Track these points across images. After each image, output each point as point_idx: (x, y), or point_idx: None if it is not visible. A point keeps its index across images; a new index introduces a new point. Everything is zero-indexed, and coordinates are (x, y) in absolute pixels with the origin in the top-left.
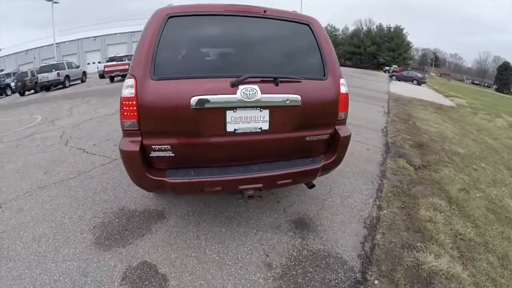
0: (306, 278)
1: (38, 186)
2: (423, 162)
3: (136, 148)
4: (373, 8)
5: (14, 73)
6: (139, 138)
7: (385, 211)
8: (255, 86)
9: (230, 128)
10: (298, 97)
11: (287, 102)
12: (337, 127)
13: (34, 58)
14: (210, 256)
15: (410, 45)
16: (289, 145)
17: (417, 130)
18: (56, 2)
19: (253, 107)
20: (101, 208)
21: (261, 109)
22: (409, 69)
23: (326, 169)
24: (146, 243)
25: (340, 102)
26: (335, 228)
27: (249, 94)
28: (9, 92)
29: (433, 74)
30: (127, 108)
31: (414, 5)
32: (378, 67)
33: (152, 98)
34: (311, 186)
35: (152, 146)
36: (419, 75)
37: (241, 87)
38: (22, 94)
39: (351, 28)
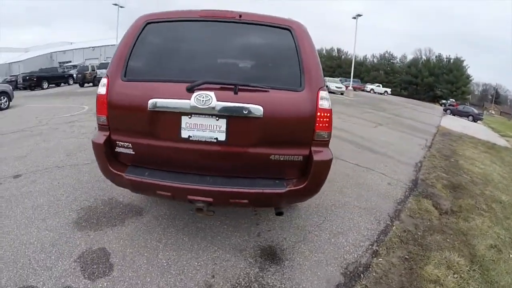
0: None
1: (57, 165)
2: (454, 206)
3: (101, 141)
4: (434, 38)
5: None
6: (107, 133)
7: (381, 259)
8: (210, 93)
9: (184, 134)
10: (259, 108)
11: (245, 112)
12: (313, 148)
13: (100, 55)
14: (159, 260)
15: (470, 78)
16: (250, 162)
17: (457, 169)
18: (122, 7)
19: (208, 114)
20: (95, 194)
21: (218, 118)
22: (466, 104)
23: (295, 197)
24: (113, 233)
25: (318, 119)
26: (305, 267)
27: (203, 100)
28: (71, 82)
29: (493, 112)
30: (100, 104)
31: (477, 37)
32: (435, 99)
33: (119, 97)
34: (278, 213)
35: (117, 142)
36: (476, 111)
37: (196, 93)
38: (81, 85)
39: (410, 57)
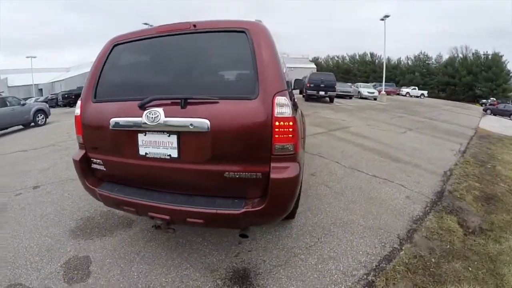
0: None
1: (72, 178)
2: (484, 223)
3: (77, 158)
4: (469, 33)
5: None
6: (84, 151)
7: None
8: (159, 109)
9: (142, 151)
10: (204, 121)
11: (191, 127)
12: (273, 164)
13: None
14: (131, 273)
15: (511, 74)
16: (204, 179)
17: (494, 176)
18: (151, 26)
19: (158, 131)
20: (97, 205)
21: (169, 134)
22: (508, 102)
23: (254, 219)
24: (101, 242)
25: (275, 130)
26: None
27: (152, 117)
28: None
29: None
30: (77, 125)
31: None
32: (475, 99)
33: (90, 118)
34: (242, 235)
35: (92, 159)
36: None
37: (147, 110)
38: None
39: (446, 57)
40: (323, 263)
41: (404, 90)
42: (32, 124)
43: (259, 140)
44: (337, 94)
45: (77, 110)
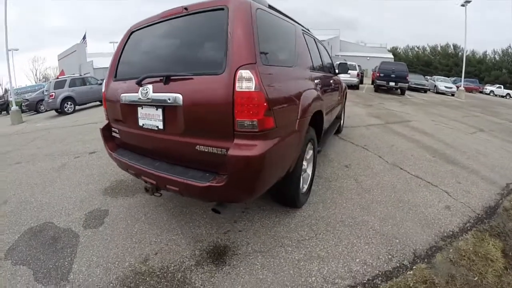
0: None
1: None
2: None
3: (102, 127)
4: None
5: None
6: (107, 121)
7: None
8: (149, 86)
9: (140, 122)
10: (177, 96)
11: (169, 101)
12: (237, 141)
13: None
14: (133, 228)
15: None
16: (181, 150)
17: None
18: None
19: (150, 105)
20: None
21: (156, 108)
22: None
23: (216, 194)
24: (122, 201)
25: (236, 105)
26: (241, 280)
27: (144, 93)
28: None
29: None
30: (103, 100)
31: None
32: None
33: (109, 94)
34: (213, 209)
35: (112, 128)
36: None
37: (142, 87)
38: None
39: None
40: (308, 261)
41: (488, 88)
42: None
43: (222, 115)
44: (410, 86)
45: (103, 88)
